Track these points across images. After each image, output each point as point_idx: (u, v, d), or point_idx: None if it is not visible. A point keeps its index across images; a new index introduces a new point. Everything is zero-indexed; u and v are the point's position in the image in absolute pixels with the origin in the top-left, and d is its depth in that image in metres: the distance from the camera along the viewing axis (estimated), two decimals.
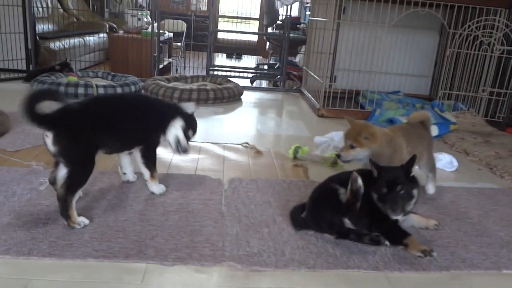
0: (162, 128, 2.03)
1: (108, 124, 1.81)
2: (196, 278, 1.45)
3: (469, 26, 3.73)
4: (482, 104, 3.98)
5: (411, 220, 1.85)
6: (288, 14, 5.05)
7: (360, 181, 1.62)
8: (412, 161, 1.68)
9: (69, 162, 1.70)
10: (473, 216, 2.09)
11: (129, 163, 2.13)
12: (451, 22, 3.83)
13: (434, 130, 3.43)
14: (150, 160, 2.01)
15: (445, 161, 2.78)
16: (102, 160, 2.37)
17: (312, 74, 4.49)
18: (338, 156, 1.96)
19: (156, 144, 2.05)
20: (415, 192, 1.67)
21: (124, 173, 2.14)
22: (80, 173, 1.72)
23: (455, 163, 2.76)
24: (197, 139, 2.93)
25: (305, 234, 1.77)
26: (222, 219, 1.84)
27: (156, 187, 2.04)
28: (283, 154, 2.76)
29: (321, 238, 1.74)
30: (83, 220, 1.71)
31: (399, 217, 1.65)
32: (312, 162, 2.64)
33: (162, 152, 2.62)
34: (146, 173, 2.01)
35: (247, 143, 2.89)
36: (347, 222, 1.71)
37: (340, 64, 4.69)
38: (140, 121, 1.94)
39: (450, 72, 3.96)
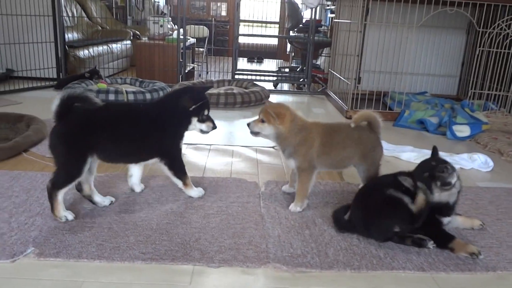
0: (179, 136, 2.00)
1: (107, 131, 1.82)
2: (243, 279, 1.47)
3: (498, 25, 3.68)
4: None
5: (456, 221, 1.84)
6: (313, 17, 5.05)
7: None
8: (434, 149, 1.76)
9: (56, 159, 1.77)
10: None
11: (139, 172, 2.09)
12: (480, 21, 3.78)
13: (466, 130, 3.39)
14: (178, 170, 2.00)
15: (480, 161, 2.75)
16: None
17: (338, 76, 4.48)
18: (248, 125, 2.03)
19: (178, 152, 2.01)
20: (455, 169, 1.65)
21: (131, 175, 2.09)
22: (63, 173, 1.76)
23: (491, 163, 2.72)
24: (229, 142, 2.96)
25: (346, 236, 1.77)
26: (262, 221, 1.86)
27: (193, 192, 2.06)
28: None
29: (363, 239, 1.74)
30: (67, 215, 1.79)
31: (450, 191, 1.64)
32: None
33: (196, 156, 2.65)
34: (178, 183, 2.03)
35: None
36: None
37: (366, 66, 4.68)
38: (153, 133, 1.91)
39: (479, 71, 3.90)
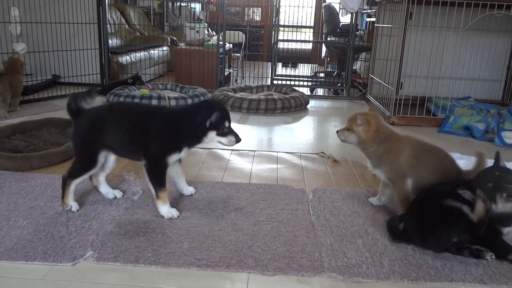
0: (176, 146, 1.89)
1: (112, 127, 1.90)
2: None
3: None
4: None
5: None
6: (353, 22, 5.01)
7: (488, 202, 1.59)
8: (497, 157, 1.68)
9: (74, 153, 1.98)
10: None
11: (178, 174, 2.11)
12: None
13: None
14: (155, 178, 1.89)
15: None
16: (187, 169, 2.45)
17: (379, 81, 4.42)
18: (337, 132, 2.06)
19: (162, 161, 1.88)
20: None
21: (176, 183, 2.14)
22: (78, 164, 1.94)
23: None
24: (273, 148, 2.97)
25: (400, 246, 1.74)
26: (313, 229, 1.85)
27: (164, 209, 1.91)
28: (360, 163, 2.73)
29: (417, 249, 1.71)
30: (73, 205, 1.92)
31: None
32: None
33: (241, 162, 2.67)
34: (152, 191, 1.90)
35: (323, 152, 2.89)
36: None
37: (407, 70, 4.60)
38: (142, 134, 1.88)
39: None
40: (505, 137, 3.31)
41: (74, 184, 1.92)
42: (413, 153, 1.90)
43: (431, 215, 1.68)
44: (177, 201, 2.08)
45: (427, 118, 3.86)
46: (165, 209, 1.91)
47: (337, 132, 2.07)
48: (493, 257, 1.64)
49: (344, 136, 2.03)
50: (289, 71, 8.43)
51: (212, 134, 1.87)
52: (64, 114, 3.58)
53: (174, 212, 1.91)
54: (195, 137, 1.88)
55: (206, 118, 1.83)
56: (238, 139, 1.91)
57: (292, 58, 9.38)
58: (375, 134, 1.94)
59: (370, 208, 2.08)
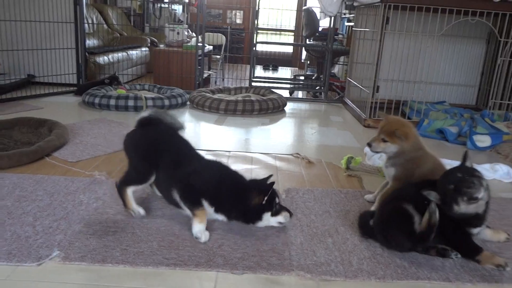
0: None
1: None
2: (268, 286, 1.46)
3: None
4: None
5: (484, 234, 1.81)
6: (331, 25, 5.05)
7: (437, 215, 1.59)
8: (464, 157, 1.67)
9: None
10: None
11: None
12: (501, 31, 3.75)
13: (487, 141, 3.35)
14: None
15: (502, 172, 2.71)
16: None
17: (356, 84, 4.47)
18: (369, 145, 1.99)
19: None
20: (483, 182, 1.58)
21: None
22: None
23: None
24: (247, 149, 2.97)
25: (369, 244, 1.76)
26: (284, 229, 1.85)
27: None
28: (335, 164, 2.75)
29: (386, 249, 1.73)
30: (140, 210, 1.87)
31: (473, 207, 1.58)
32: (366, 172, 2.62)
33: None
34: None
35: (298, 153, 2.90)
36: None
37: (383, 74, 4.65)
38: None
39: (500, 81, 3.86)
40: (476, 140, 3.37)
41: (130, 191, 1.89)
42: (431, 169, 1.91)
43: (387, 214, 1.71)
44: (148, 200, 2.06)
45: None
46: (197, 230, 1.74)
47: (369, 144, 1.99)
48: (458, 256, 1.66)
49: (381, 148, 1.97)
50: (269, 74, 8.45)
51: (267, 216, 1.78)
52: (37, 114, 3.53)
53: (204, 235, 1.72)
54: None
55: (261, 198, 1.76)
56: (291, 213, 1.85)
57: (273, 61, 9.41)
58: (413, 142, 1.94)
59: (341, 208, 2.09)
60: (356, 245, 1.75)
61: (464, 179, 1.57)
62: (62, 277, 1.45)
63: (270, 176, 1.83)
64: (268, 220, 1.78)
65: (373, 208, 2.03)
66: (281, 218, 1.80)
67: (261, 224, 1.80)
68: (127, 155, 1.94)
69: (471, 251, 1.66)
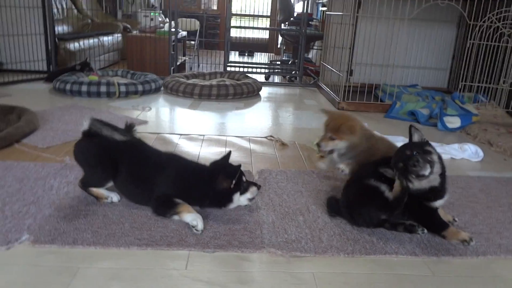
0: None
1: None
2: (239, 263, 1.48)
3: (489, 18, 3.72)
4: (503, 96, 3.96)
5: None
6: (305, 10, 5.06)
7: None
8: (410, 133, 1.69)
9: None
10: (504, 204, 2.10)
11: None
12: (471, 14, 3.82)
13: (457, 122, 3.43)
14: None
15: (470, 151, 2.78)
16: None
17: (331, 68, 4.50)
18: (318, 145, 2.00)
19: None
20: (433, 156, 1.61)
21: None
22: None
23: (481, 153, 2.76)
24: (222, 133, 2.97)
25: (340, 222, 1.79)
26: (256, 208, 1.87)
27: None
28: (308, 146, 2.78)
29: (355, 226, 1.77)
30: (113, 196, 1.86)
31: (426, 178, 1.60)
32: None
33: (190, 146, 2.66)
34: None
35: (271, 136, 2.92)
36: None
37: (357, 58, 4.70)
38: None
39: (470, 64, 3.94)
40: (447, 122, 3.45)
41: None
42: (385, 154, 1.90)
43: (354, 194, 1.75)
44: None
45: (374, 104, 3.97)
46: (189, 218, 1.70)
47: (317, 145, 1.98)
48: (425, 231, 1.70)
49: (331, 146, 1.98)
50: (245, 59, 8.42)
51: (236, 197, 1.78)
52: (6, 101, 3.45)
53: (199, 222, 1.68)
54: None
55: (228, 183, 1.75)
56: (259, 186, 1.84)
57: (249, 47, 9.38)
58: (360, 134, 1.95)
59: (313, 188, 2.13)
60: (327, 223, 1.78)
61: (410, 158, 1.58)
62: (32, 260, 1.44)
63: (229, 153, 1.81)
64: (238, 199, 1.79)
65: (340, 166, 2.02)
66: (249, 194, 1.81)
67: (232, 205, 1.81)
68: (79, 164, 1.89)
69: (437, 226, 1.71)
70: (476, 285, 1.44)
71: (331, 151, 2.02)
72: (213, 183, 1.75)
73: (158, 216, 1.75)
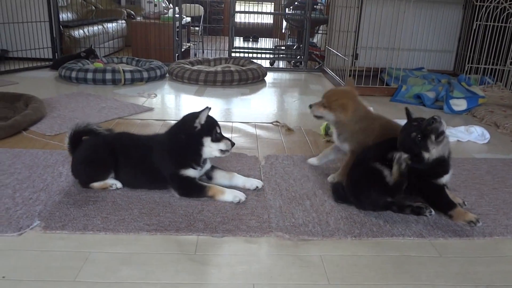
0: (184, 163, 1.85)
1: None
2: (247, 247, 1.50)
3: None
4: (509, 77, 3.93)
5: None
6: None
7: (404, 165, 1.62)
8: (407, 112, 1.72)
9: None
10: (510, 185, 2.10)
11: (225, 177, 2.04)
12: None
13: (463, 104, 3.41)
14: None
15: (476, 133, 2.77)
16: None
17: (336, 52, 4.47)
18: (310, 106, 2.04)
19: (183, 179, 1.86)
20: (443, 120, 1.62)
21: None
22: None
23: (487, 135, 2.76)
24: (228, 118, 2.98)
25: (346, 206, 1.80)
26: (263, 193, 1.89)
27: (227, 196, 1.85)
28: (314, 131, 2.78)
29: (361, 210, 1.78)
30: (116, 184, 1.88)
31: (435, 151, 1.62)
32: None
33: None
34: None
35: (277, 121, 2.92)
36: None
37: (363, 42, 4.67)
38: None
39: (476, 46, 3.90)
40: (453, 104, 3.43)
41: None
42: (381, 133, 1.92)
43: (357, 177, 1.75)
44: None
45: (380, 87, 3.95)
46: (229, 196, 1.81)
47: (310, 106, 2.02)
48: (432, 213, 1.71)
49: (319, 113, 1.99)
50: (250, 45, 8.38)
51: (207, 141, 1.81)
52: (12, 89, 3.47)
53: (239, 195, 1.81)
54: (193, 147, 1.83)
55: (195, 123, 1.80)
56: (233, 143, 1.86)
57: (253, 33, 9.32)
58: (352, 115, 1.95)
59: (320, 172, 2.13)
60: (334, 207, 1.79)
61: (424, 121, 1.60)
62: (43, 245, 1.47)
63: (207, 107, 1.82)
64: (210, 146, 1.82)
65: (329, 179, 2.03)
66: (222, 145, 1.83)
67: (206, 152, 1.83)
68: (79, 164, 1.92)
69: (445, 205, 1.71)
70: (483, 266, 1.45)
71: (319, 117, 2.03)
72: (183, 127, 1.84)
73: (184, 197, 1.82)
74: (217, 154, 1.84)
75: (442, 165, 1.66)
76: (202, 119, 1.80)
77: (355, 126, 1.95)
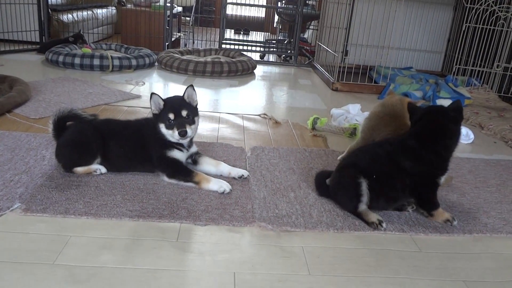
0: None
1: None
2: (230, 236, 1.50)
3: (486, 1, 3.71)
4: (496, 79, 3.98)
5: None
6: None
7: None
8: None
9: None
10: (492, 185, 2.13)
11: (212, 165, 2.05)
12: None
13: None
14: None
15: (461, 134, 2.80)
16: None
17: (326, 48, 4.48)
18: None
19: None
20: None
21: None
22: None
23: (471, 136, 2.79)
24: (216, 109, 2.97)
25: (329, 198, 1.81)
26: (248, 184, 1.89)
27: (212, 184, 1.85)
28: (301, 125, 2.79)
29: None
30: (100, 168, 1.87)
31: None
32: (330, 132, 2.67)
33: None
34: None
35: (265, 114, 2.92)
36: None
37: (353, 39, 4.68)
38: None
39: (465, 47, 3.94)
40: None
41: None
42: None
43: (338, 181, 1.75)
44: None
45: (369, 85, 3.97)
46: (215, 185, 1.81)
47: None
48: (414, 208, 1.74)
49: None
50: (241, 38, 8.34)
51: (163, 128, 1.82)
52: (1, 70, 3.42)
53: (225, 185, 1.80)
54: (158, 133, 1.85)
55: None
56: (182, 131, 1.78)
57: (245, 26, 9.28)
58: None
59: (305, 166, 2.14)
60: (317, 199, 1.80)
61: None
62: (23, 227, 1.45)
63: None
64: (167, 132, 1.82)
65: (339, 158, 2.14)
66: (176, 134, 1.79)
67: (168, 135, 1.82)
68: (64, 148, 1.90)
69: (432, 205, 1.71)
70: (462, 262, 1.48)
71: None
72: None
73: (171, 179, 1.84)
74: (175, 138, 1.83)
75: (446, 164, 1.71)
76: (152, 106, 1.83)
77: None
